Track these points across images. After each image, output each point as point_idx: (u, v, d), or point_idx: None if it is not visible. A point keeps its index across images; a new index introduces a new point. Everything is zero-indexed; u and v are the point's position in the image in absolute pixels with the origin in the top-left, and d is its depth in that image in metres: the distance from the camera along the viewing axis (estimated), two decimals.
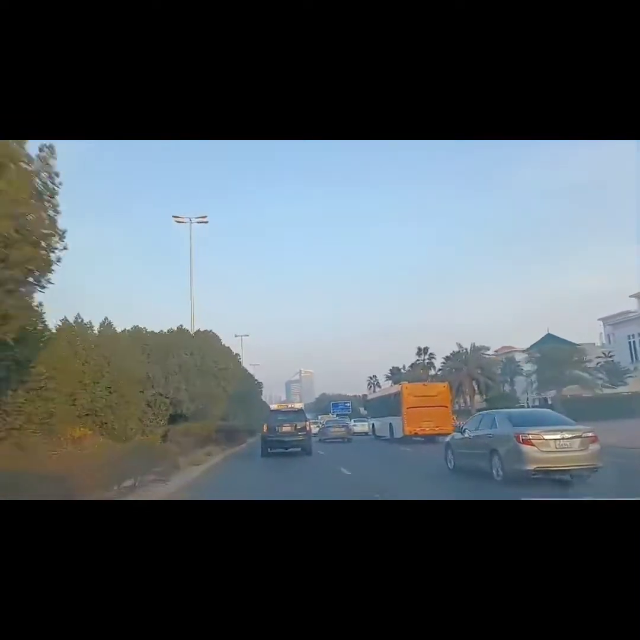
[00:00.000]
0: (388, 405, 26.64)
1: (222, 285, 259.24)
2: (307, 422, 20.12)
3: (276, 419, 19.30)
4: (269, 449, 18.45)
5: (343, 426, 30.96)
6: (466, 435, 11.53)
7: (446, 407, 23.70)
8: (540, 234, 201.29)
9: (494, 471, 10.00)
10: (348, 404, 73.13)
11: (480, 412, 11.81)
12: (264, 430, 19.07)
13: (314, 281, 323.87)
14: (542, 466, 9.26)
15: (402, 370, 71.39)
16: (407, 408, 23.02)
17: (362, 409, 44.38)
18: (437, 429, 22.41)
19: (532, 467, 9.25)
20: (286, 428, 18.75)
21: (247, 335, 55.75)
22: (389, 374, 75.55)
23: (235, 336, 52.44)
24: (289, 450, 18.62)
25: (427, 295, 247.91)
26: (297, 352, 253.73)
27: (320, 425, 37.95)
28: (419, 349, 67.53)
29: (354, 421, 42.27)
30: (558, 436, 9.41)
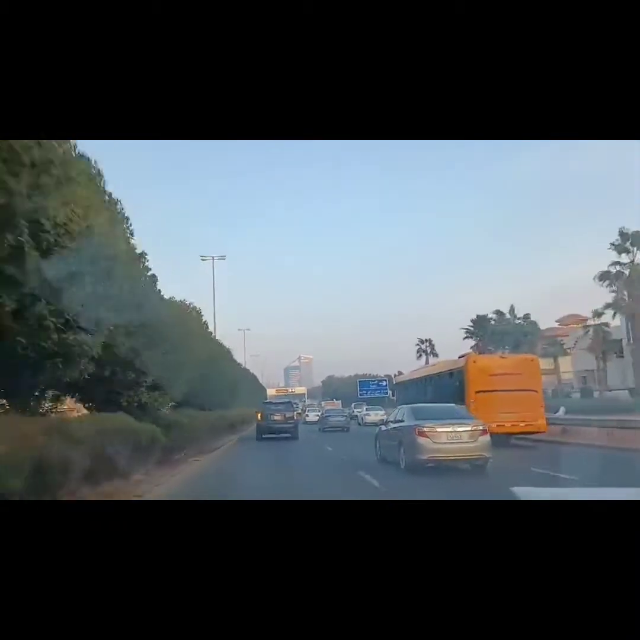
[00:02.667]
0: (438, 388, 18.72)
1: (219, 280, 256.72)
2: (295, 412, 24.47)
3: (269, 409, 23.13)
4: (263, 435, 22.13)
5: (342, 416, 31.44)
6: (389, 427, 12.69)
7: (536, 391, 16.05)
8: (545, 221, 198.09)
9: (401, 461, 11.17)
10: (384, 382, 57.90)
11: (399, 406, 12.89)
12: (259, 419, 22.88)
13: (314, 264, 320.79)
14: (434, 456, 10.38)
15: (508, 314, 43.67)
16: (476, 392, 15.52)
17: (391, 394, 34.28)
18: (522, 424, 15.48)
19: (426, 456, 10.38)
20: (277, 417, 22.47)
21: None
22: (471, 327, 45.80)
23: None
24: (280, 435, 21.95)
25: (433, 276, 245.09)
26: (296, 337, 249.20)
27: (320, 414, 37.21)
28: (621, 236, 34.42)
29: (367, 409, 38.66)
30: (450, 429, 10.50)
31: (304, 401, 67.68)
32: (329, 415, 31.58)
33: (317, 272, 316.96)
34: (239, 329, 57.45)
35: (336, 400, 62.92)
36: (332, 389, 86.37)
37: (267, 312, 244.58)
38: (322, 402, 62.11)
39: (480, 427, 10.68)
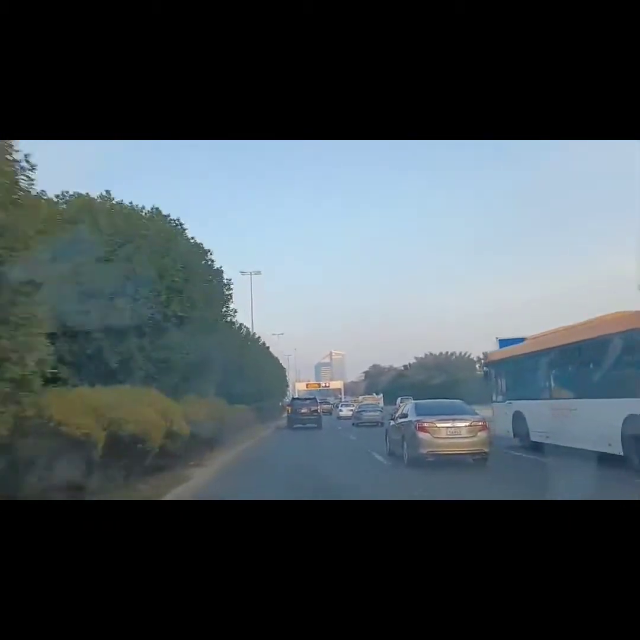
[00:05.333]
0: (620, 365, 9.64)
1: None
2: (319, 406, 29.68)
3: (297, 404, 29.30)
4: (293, 425, 27.63)
5: (377, 411, 30.86)
6: (396, 422, 12.98)
7: None
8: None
9: (404, 455, 11.47)
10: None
11: (402, 400, 13.13)
12: (289, 412, 28.96)
13: (355, 263, 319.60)
14: (434, 450, 10.63)
15: None
16: None
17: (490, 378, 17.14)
18: None
19: (426, 451, 10.64)
20: (304, 410, 28.27)
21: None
22: None
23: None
24: (307, 425, 27.19)
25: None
26: (326, 334, 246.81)
27: (354, 409, 36.18)
28: None
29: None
30: (449, 424, 10.73)
31: (340, 397, 66.77)
32: (363, 411, 31.07)
33: (346, 267, 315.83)
34: (241, 273, 38.95)
35: (376, 394, 61.27)
36: (379, 381, 75.59)
37: (295, 310, 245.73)
38: (362, 397, 60.50)
39: (480, 422, 10.87)
